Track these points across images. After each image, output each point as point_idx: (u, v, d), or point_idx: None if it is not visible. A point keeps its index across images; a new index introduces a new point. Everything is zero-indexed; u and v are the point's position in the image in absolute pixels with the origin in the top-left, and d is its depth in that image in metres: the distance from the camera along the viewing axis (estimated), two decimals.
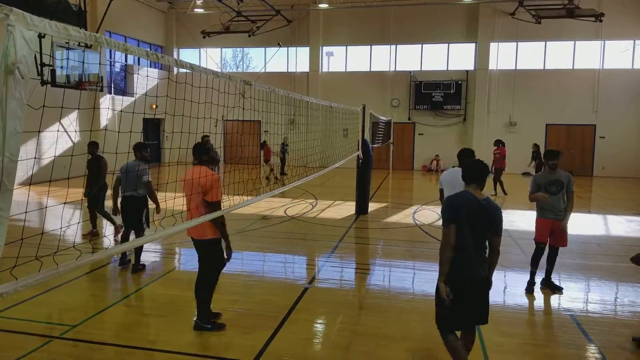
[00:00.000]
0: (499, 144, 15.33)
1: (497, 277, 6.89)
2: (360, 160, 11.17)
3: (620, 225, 10.80)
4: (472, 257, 3.61)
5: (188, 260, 7.85)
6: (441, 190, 6.16)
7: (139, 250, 6.84)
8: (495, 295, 6.30)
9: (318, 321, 5.17)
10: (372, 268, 7.43)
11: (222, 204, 4.63)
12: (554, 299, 6.08)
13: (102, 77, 19.16)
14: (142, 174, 6.59)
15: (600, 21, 19.29)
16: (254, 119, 21.03)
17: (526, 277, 6.83)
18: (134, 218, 6.77)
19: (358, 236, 9.44)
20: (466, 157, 5.35)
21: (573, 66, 21.53)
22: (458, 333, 3.88)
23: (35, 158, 15.16)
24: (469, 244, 3.58)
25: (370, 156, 11.47)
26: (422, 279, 6.89)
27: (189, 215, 4.57)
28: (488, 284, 3.75)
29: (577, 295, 6.35)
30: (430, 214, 11.59)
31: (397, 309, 5.68)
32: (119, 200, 6.91)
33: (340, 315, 5.29)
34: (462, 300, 3.59)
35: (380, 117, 17.48)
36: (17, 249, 2.75)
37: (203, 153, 4.71)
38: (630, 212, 12.34)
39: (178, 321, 5.08)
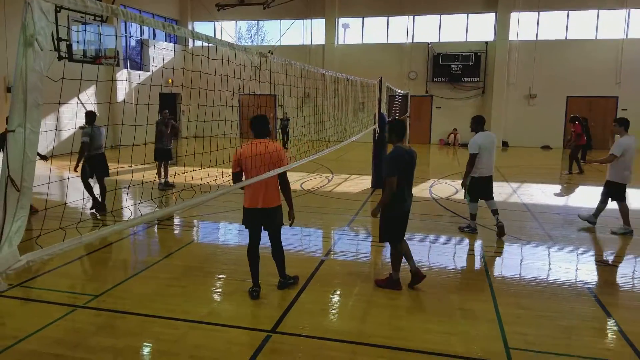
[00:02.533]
0: (574, 120, 14.12)
1: (515, 250, 6.91)
2: (377, 134, 11.08)
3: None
4: (407, 194, 5.15)
5: (207, 232, 7.97)
6: (473, 155, 7.05)
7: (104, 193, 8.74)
8: (512, 269, 6.31)
9: (334, 292, 5.24)
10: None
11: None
12: (572, 273, 6.05)
13: (118, 51, 19.26)
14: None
15: None
16: (269, 93, 20.95)
17: (543, 251, 6.80)
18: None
19: None
20: (480, 124, 7.17)
21: (596, 36, 20.81)
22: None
23: (55, 130, 15.41)
24: (403, 184, 5.07)
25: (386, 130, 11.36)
26: (437, 252, 6.89)
27: (261, 188, 4.75)
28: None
29: (599, 269, 6.30)
30: (447, 188, 11.51)
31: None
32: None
33: (356, 287, 5.35)
34: (404, 222, 5.30)
35: (397, 90, 17.23)
36: (40, 220, 2.83)
37: (265, 125, 4.85)
38: None
39: (197, 292, 5.20)
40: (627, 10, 20.26)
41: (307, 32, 24.13)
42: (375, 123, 11.12)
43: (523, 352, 4.01)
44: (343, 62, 22.73)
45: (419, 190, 11.31)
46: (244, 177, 4.83)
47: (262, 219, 4.91)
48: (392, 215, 5.16)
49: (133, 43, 22.39)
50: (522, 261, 6.57)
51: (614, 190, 7.66)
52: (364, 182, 11.92)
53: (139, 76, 20.73)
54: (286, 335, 4.25)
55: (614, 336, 4.38)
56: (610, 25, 20.66)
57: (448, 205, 9.70)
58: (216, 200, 9.55)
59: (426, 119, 23.01)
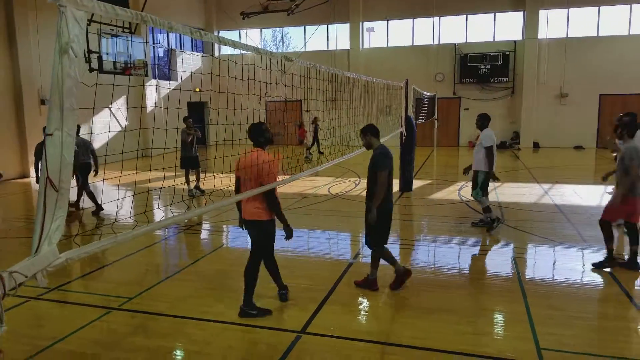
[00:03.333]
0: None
1: (547, 252, 6.75)
2: (404, 137, 11.02)
3: None
4: (391, 192, 5.22)
5: (236, 237, 8.09)
6: (490, 148, 7.36)
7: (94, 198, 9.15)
8: (543, 270, 6.17)
9: (362, 294, 5.23)
10: (416, 244, 7.41)
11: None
12: (604, 274, 5.86)
13: (146, 62, 19.83)
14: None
15: None
16: (295, 99, 21.11)
17: (576, 252, 6.64)
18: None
19: (402, 213, 9.39)
20: (487, 120, 7.50)
21: (629, 32, 20.15)
22: None
23: (91, 133, 15.95)
24: (390, 182, 5.15)
25: (414, 132, 11.29)
26: (466, 254, 6.80)
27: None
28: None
29: (629, 270, 6.08)
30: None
31: (441, 284, 5.66)
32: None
33: (385, 288, 5.33)
34: (390, 222, 5.30)
35: (424, 93, 17.10)
36: (77, 222, 2.94)
37: (259, 135, 4.62)
38: None
39: (228, 294, 5.28)
40: None
41: (332, 37, 24.25)
42: (402, 126, 11.06)
43: (555, 353, 3.92)
44: (368, 66, 22.72)
45: (448, 193, 11.19)
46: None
47: (247, 229, 4.80)
48: (384, 214, 5.15)
49: (161, 53, 22.98)
50: (554, 262, 6.41)
51: None
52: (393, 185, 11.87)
53: (169, 85, 21.24)
54: (315, 336, 4.27)
55: None
56: None
57: (478, 207, 9.54)
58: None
59: (454, 121, 22.72)
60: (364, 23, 23.56)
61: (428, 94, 18.05)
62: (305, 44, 24.48)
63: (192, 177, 11.08)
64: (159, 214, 8.79)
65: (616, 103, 20.06)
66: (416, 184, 11.97)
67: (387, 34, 23.50)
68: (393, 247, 7.12)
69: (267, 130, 4.66)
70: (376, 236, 5.22)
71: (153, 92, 20.38)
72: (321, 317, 4.63)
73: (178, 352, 4.16)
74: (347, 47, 23.67)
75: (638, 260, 5.91)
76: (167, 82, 21.64)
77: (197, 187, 11.08)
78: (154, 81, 20.74)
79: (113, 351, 4.07)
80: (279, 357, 3.89)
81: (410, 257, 6.76)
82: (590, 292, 5.36)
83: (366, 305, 5.04)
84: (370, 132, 5.30)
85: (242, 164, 4.57)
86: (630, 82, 20.04)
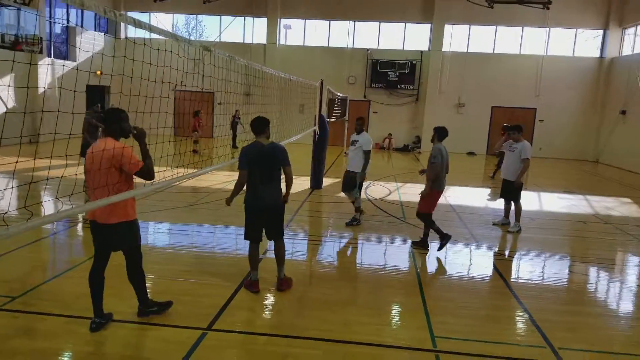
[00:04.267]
0: (506, 129, 14.43)
1: (443, 249, 7.32)
2: (317, 136, 11.25)
3: (553, 202, 11.59)
4: (259, 190, 4.95)
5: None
6: (368, 152, 7.95)
7: None
8: (438, 265, 6.69)
9: (271, 289, 5.28)
10: (323, 240, 7.62)
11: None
12: (489, 268, 6.52)
13: (41, 38, 18.02)
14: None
15: (548, 9, 20.16)
16: (207, 90, 20.55)
17: (465, 248, 7.29)
18: None
19: (312, 210, 9.60)
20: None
21: (520, 51, 22.39)
22: None
23: None
24: (257, 180, 4.91)
25: (326, 132, 11.56)
26: (369, 250, 7.15)
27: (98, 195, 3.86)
28: (276, 209, 5.09)
29: (511, 264, 6.84)
30: (382, 190, 11.91)
31: (346, 278, 5.91)
32: None
33: (293, 283, 5.43)
34: (254, 219, 5.05)
35: (337, 94, 17.55)
36: None
37: (115, 122, 3.96)
38: (562, 190, 13.24)
39: (128, 291, 5.04)
40: (548, 29, 21.97)
41: (249, 30, 23.95)
42: (315, 124, 11.28)
43: (447, 340, 4.29)
44: (284, 63, 22.77)
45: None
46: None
47: (107, 235, 4.06)
48: (245, 211, 5.07)
49: (58, 30, 21.07)
50: (446, 257, 6.98)
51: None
52: (303, 182, 12.05)
53: (64, 66, 19.52)
54: (221, 332, 4.25)
55: (524, 324, 4.79)
56: (532, 41, 22.31)
57: (382, 205, 10.05)
58: (147, 199, 9.27)
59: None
60: (282, 19, 23.57)
61: (341, 95, 18.55)
62: (220, 34, 23.90)
63: None
64: (49, 207, 8.10)
65: (505, 114, 22.16)
66: (326, 181, 12.28)
67: (304, 32, 23.74)
68: (301, 243, 7.28)
69: (126, 119, 4.00)
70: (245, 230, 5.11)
71: (47, 71, 18.63)
72: (228, 314, 4.61)
73: (69, 354, 3.89)
74: (264, 41, 23.53)
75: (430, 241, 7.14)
76: (64, 61, 19.89)
77: None
78: (48, 60, 18.97)
79: None
80: (184, 355, 3.81)
81: (317, 252, 6.96)
82: (478, 285, 5.92)
83: (272, 300, 5.09)
84: (251, 127, 5.05)
85: (91, 160, 3.88)
86: (519, 97, 22.27)
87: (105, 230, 3.98)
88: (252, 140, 5.04)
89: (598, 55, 21.94)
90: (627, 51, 20.85)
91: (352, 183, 8.23)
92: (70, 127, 4.07)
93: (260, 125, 5.04)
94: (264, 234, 5.17)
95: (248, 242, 5.15)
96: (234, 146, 18.79)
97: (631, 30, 20.80)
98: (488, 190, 13.09)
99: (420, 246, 7.14)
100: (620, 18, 21.16)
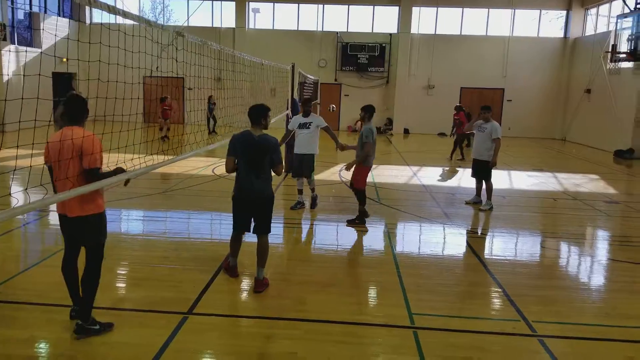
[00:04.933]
0: (459, 110, 15.05)
1: (416, 227, 7.50)
2: (290, 119, 11.20)
3: (523, 180, 11.95)
4: (245, 179, 4.79)
5: (111, 220, 7.60)
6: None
7: None
8: (413, 244, 6.86)
9: (249, 273, 5.31)
10: (302, 223, 7.67)
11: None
12: (463, 246, 6.73)
13: (4, 24, 17.26)
14: None
15: None
16: (176, 76, 20.09)
17: (439, 227, 7.48)
18: None
19: (287, 193, 9.63)
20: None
21: (486, 33, 22.72)
22: None
23: None
24: (245, 170, 4.77)
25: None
26: (346, 231, 7.25)
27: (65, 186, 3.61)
28: (262, 202, 4.87)
29: (484, 242, 7.06)
30: None
31: (323, 259, 6.00)
32: None
33: (271, 266, 5.47)
34: (237, 209, 4.93)
35: (309, 76, 17.47)
36: None
37: (80, 109, 3.77)
38: (531, 168, 13.65)
39: (106, 278, 4.99)
40: (513, 10, 22.34)
41: (217, 14, 23.48)
42: (288, 108, 11.23)
43: (424, 316, 4.43)
44: (254, 47, 22.42)
45: (330, 174, 11.69)
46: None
47: (72, 229, 3.86)
48: (232, 198, 5.00)
49: (21, 16, 20.18)
50: (421, 236, 7.16)
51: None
52: None
53: (26, 53, 18.75)
54: (203, 316, 4.27)
55: (499, 299, 4.98)
56: (498, 23, 22.66)
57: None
58: (121, 186, 9.10)
59: (335, 106, 23.58)
60: (250, 3, 23.18)
61: (312, 77, 18.48)
62: (188, 18, 23.35)
63: None
64: (20, 198, 7.88)
65: (474, 95, 22.55)
66: None
67: (273, 16, 23.42)
68: (278, 226, 7.32)
69: (86, 104, 3.80)
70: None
71: (11, 59, 17.88)
72: (208, 298, 4.63)
73: (47, 342, 3.85)
74: (233, 25, 23.12)
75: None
76: (26, 48, 19.09)
77: None
78: (12, 47, 18.19)
79: None
80: (165, 340, 3.83)
81: (293, 234, 7.02)
82: (453, 262, 6.11)
83: (251, 283, 5.12)
84: (248, 114, 4.91)
85: (52, 149, 3.66)
86: (486, 78, 22.66)
87: (75, 223, 3.74)
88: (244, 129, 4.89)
89: (562, 35, 22.48)
90: (589, 31, 21.43)
91: (308, 166, 8.09)
92: (35, 115, 3.95)
93: (256, 114, 4.82)
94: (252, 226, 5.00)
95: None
96: (212, 132, 18.59)
97: (593, 11, 21.35)
98: (460, 170, 13.37)
99: (357, 223, 7.32)
100: None
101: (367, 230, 7.15)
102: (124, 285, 5.06)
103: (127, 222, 7.56)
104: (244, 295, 4.87)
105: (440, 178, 11.87)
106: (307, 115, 8.15)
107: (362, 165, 7.25)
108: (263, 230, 4.93)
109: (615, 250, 6.92)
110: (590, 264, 6.26)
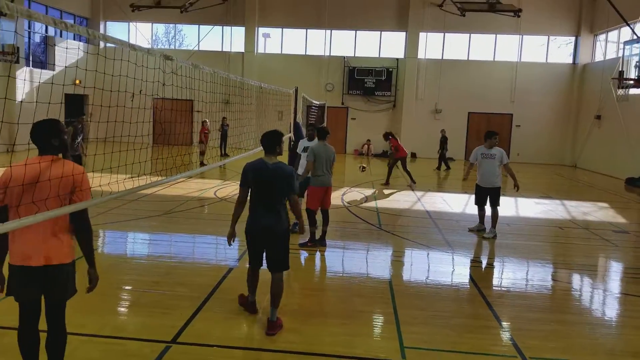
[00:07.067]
0: (388, 137, 14.72)
1: (417, 255, 7.34)
2: (292, 143, 11.20)
3: (529, 207, 11.72)
4: (258, 211, 4.53)
5: (110, 241, 7.56)
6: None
7: None
8: (412, 273, 6.69)
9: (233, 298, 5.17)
10: (298, 247, 7.53)
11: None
12: (464, 275, 6.55)
13: (18, 47, 17.72)
14: None
15: (519, 16, 20.55)
16: (184, 98, 20.35)
17: (439, 255, 7.30)
18: None
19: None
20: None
21: (494, 58, 22.77)
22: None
23: None
24: (256, 201, 4.52)
25: (301, 138, 11.51)
26: (344, 257, 7.11)
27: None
28: (276, 235, 4.54)
29: (486, 271, 6.87)
30: (359, 196, 11.92)
31: (319, 287, 5.86)
32: None
33: (260, 294, 5.32)
34: (251, 242, 4.63)
35: (313, 101, 17.56)
36: None
37: (54, 135, 3.09)
38: (538, 195, 13.39)
39: (93, 303, 4.91)
40: (521, 35, 22.41)
41: (227, 38, 23.91)
42: (290, 132, 11.24)
43: (416, 350, 4.26)
44: (262, 71, 22.76)
45: (332, 199, 11.58)
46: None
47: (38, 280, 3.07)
48: (245, 232, 4.64)
49: (37, 39, 20.74)
50: (421, 265, 6.99)
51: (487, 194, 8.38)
52: None
53: (40, 75, 19.19)
54: (187, 345, 4.15)
55: (497, 333, 4.79)
56: (506, 48, 22.72)
57: (358, 212, 10.04)
58: (123, 208, 9.11)
59: (342, 130, 23.64)
60: (260, 28, 23.59)
61: (317, 102, 18.58)
62: (199, 43, 23.80)
63: None
64: None
65: (482, 120, 22.47)
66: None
67: (281, 41, 23.79)
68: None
69: (64, 131, 3.18)
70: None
71: (24, 80, 18.30)
72: (195, 326, 4.51)
73: None
74: (242, 50, 23.49)
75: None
76: (40, 71, 19.53)
77: None
78: (26, 69, 18.63)
79: None
80: None
81: (291, 260, 6.89)
82: (451, 293, 5.92)
83: (242, 312, 4.99)
84: (261, 142, 4.71)
85: (17, 179, 2.92)
86: (494, 103, 22.62)
87: (45, 274, 3.02)
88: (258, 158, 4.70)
89: (571, 61, 22.45)
90: (599, 57, 21.38)
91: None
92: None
93: (270, 141, 4.58)
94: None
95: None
96: (224, 154, 18.68)
97: (602, 37, 21.34)
98: (465, 196, 13.19)
99: (313, 244, 7.18)
100: (591, 25, 21.72)
101: (323, 250, 7.06)
102: (110, 310, 4.94)
103: (122, 245, 7.51)
104: (233, 324, 4.73)
105: (444, 204, 11.71)
106: (312, 139, 8.08)
107: (311, 185, 7.23)
108: (277, 267, 4.58)
109: (624, 283, 6.68)
110: (597, 298, 6.03)
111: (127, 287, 5.51)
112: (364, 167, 14.00)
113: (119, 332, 4.33)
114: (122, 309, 4.98)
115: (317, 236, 7.35)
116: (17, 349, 3.23)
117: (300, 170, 7.94)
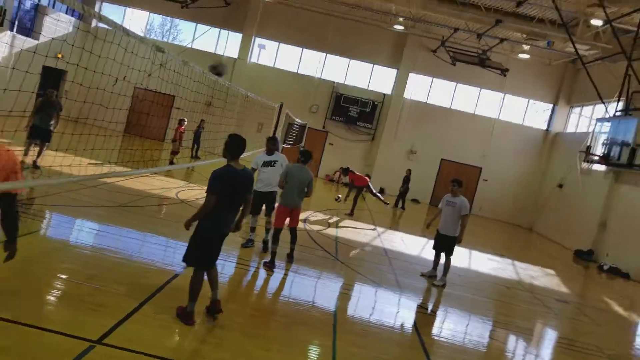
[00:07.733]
0: (347, 171, 14.88)
1: (366, 291, 7.34)
2: None
3: (481, 262, 11.93)
4: (227, 217, 4.70)
5: (57, 224, 7.27)
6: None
7: None
8: (359, 309, 6.67)
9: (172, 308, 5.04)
10: (251, 265, 7.44)
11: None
12: (409, 320, 6.57)
13: (5, 9, 17.19)
14: None
15: (505, 76, 21.32)
16: (167, 92, 20.13)
17: (392, 296, 7.31)
18: None
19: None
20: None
21: (475, 111, 23.48)
22: None
23: None
24: (225, 207, 4.62)
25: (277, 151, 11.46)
26: (295, 283, 7.03)
27: None
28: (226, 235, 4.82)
29: (430, 319, 6.92)
30: (321, 222, 11.90)
31: (263, 309, 5.76)
32: None
33: (202, 304, 5.20)
34: (214, 247, 4.74)
35: (296, 119, 17.62)
36: None
37: None
38: (493, 251, 13.68)
39: (26, 285, 4.69)
40: (503, 94, 23.23)
41: (222, 42, 23.90)
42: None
43: None
44: (251, 80, 22.69)
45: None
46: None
47: None
48: (202, 237, 4.64)
49: (28, 6, 20.18)
50: (368, 302, 6.98)
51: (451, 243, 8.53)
52: None
53: (24, 43, 18.59)
54: (112, 348, 3.98)
55: None
56: (487, 103, 23.48)
57: (317, 238, 10.00)
58: (79, 193, 8.80)
59: (318, 153, 23.71)
60: (257, 37, 23.68)
61: (299, 121, 18.65)
62: (193, 40, 23.69)
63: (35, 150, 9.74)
64: None
65: (452, 168, 22.95)
66: None
67: (276, 54, 23.91)
68: (229, 265, 7.08)
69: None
70: (189, 252, 4.70)
71: (7, 45, 17.73)
72: (126, 328, 4.34)
73: None
74: (236, 56, 23.48)
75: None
76: (25, 38, 18.96)
77: (34, 162, 9.71)
78: (9, 33, 18.07)
79: None
80: None
81: (244, 277, 6.78)
82: (393, 335, 5.92)
83: (178, 322, 4.83)
84: (226, 146, 4.70)
85: None
86: (467, 154, 23.19)
87: None
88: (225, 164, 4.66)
89: (545, 127, 23.34)
90: (571, 128, 22.31)
91: (271, 203, 7.87)
92: (13, 105, 3.83)
93: (237, 147, 4.64)
94: None
95: (189, 266, 4.90)
96: (195, 156, 18.38)
97: (577, 110, 22.32)
98: (424, 240, 13.37)
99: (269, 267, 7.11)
100: (569, 96, 22.71)
101: (271, 273, 6.99)
102: (36, 296, 4.67)
103: (67, 230, 7.20)
104: (166, 333, 4.57)
105: (402, 244, 11.81)
106: (271, 153, 7.93)
107: (279, 204, 7.38)
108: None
109: (556, 352, 6.83)
110: None
111: (62, 276, 5.28)
112: (339, 197, 14.25)
113: (39, 321, 4.11)
114: (51, 298, 4.76)
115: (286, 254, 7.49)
116: (13, 348, 3.00)
117: (261, 187, 7.75)
